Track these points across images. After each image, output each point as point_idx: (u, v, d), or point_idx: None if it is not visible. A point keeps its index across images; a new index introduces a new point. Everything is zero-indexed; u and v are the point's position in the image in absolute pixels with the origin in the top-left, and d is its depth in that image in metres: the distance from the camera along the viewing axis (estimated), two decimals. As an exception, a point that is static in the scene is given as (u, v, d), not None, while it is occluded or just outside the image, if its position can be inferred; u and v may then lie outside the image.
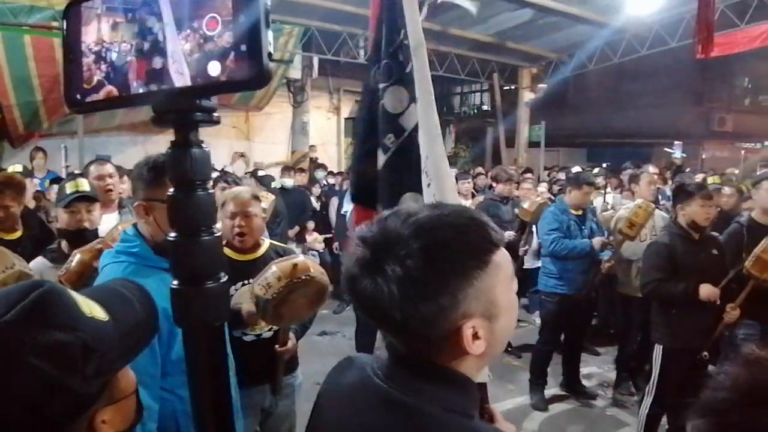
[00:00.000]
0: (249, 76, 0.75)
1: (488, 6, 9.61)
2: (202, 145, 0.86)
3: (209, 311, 0.87)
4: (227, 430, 0.92)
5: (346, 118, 14.53)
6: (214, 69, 0.76)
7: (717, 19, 9.55)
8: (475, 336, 0.89)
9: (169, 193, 0.86)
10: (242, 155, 11.76)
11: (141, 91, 0.83)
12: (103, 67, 0.86)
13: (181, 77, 0.79)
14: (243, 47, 0.74)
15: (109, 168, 3.88)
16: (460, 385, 0.93)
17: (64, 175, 5.96)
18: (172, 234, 0.87)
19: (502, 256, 0.92)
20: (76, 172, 4.40)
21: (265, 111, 12.33)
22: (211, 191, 0.87)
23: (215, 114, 0.85)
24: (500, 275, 0.90)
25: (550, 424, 4.57)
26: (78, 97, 0.88)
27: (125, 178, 4.50)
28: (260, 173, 8.50)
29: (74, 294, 0.85)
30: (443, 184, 1.84)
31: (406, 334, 0.91)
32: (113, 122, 10.03)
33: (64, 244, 2.90)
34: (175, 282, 0.87)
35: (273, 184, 7.14)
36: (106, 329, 0.83)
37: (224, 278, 0.89)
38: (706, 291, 3.53)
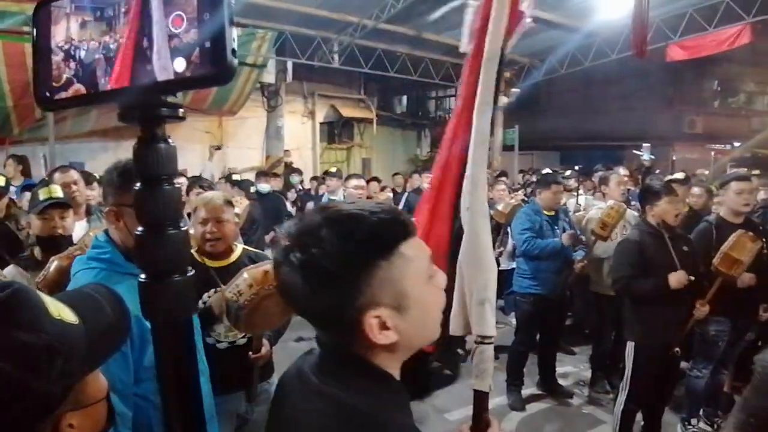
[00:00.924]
0: (213, 72, 0.76)
1: (461, 11, 9.68)
2: (169, 140, 0.87)
3: (176, 305, 0.88)
4: (198, 425, 0.93)
5: (321, 123, 14.51)
6: (180, 65, 0.77)
7: (686, 23, 9.80)
8: (384, 326, 0.90)
9: (135, 188, 0.87)
10: (218, 148, 11.73)
11: (108, 88, 0.84)
12: (72, 65, 0.87)
13: (146, 74, 0.81)
14: (207, 44, 0.76)
15: (73, 175, 3.84)
16: (376, 377, 0.94)
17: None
18: (139, 228, 0.87)
19: (413, 248, 0.93)
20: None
21: (239, 116, 12.23)
22: (177, 186, 0.89)
23: (180, 110, 0.87)
24: (411, 267, 0.91)
25: (528, 424, 4.61)
26: (47, 94, 0.89)
27: (95, 184, 4.44)
28: (236, 177, 8.46)
29: (43, 296, 0.84)
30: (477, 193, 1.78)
31: (319, 322, 0.96)
32: (85, 128, 9.87)
33: (36, 251, 2.87)
34: (143, 276, 0.88)
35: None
36: (73, 332, 0.82)
37: (191, 272, 0.90)
38: (676, 277, 3.59)
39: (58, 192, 2.95)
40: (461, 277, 1.70)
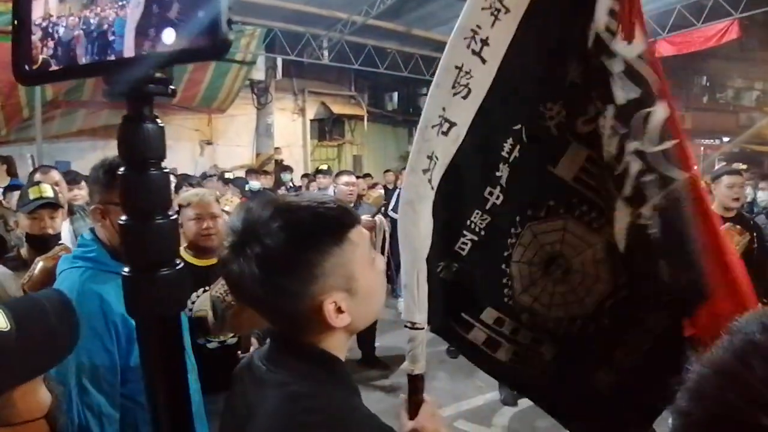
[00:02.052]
0: (206, 44, 0.70)
1: (451, 7, 9.68)
2: (157, 120, 0.81)
3: (164, 300, 0.82)
4: (185, 426, 0.88)
5: (311, 120, 14.47)
6: (169, 37, 0.71)
7: (674, 19, 9.84)
8: (339, 310, 0.94)
9: (119, 172, 0.80)
10: (209, 143, 11.70)
11: (90, 61, 0.79)
12: (52, 40, 0.83)
13: (134, 47, 0.75)
14: (200, 14, 0.70)
15: (54, 176, 3.85)
16: (324, 362, 0.98)
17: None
18: (123, 217, 0.81)
19: (358, 235, 0.98)
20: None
21: (229, 113, 12.18)
22: (166, 171, 0.83)
23: (170, 87, 0.81)
24: (357, 252, 0.97)
25: (520, 419, 4.61)
26: (26, 68, 0.85)
27: (83, 183, 4.41)
28: (230, 176, 8.44)
29: None
30: (409, 179, 1.69)
31: (273, 313, 0.99)
32: (73, 127, 9.80)
33: (23, 251, 2.86)
34: (127, 269, 0.82)
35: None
36: (1, 341, 0.77)
37: (180, 265, 0.84)
38: None
39: (48, 191, 2.94)
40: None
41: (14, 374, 0.80)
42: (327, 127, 14.89)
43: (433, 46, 11.72)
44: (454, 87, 1.57)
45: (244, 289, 0.94)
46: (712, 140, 18.54)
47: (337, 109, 14.59)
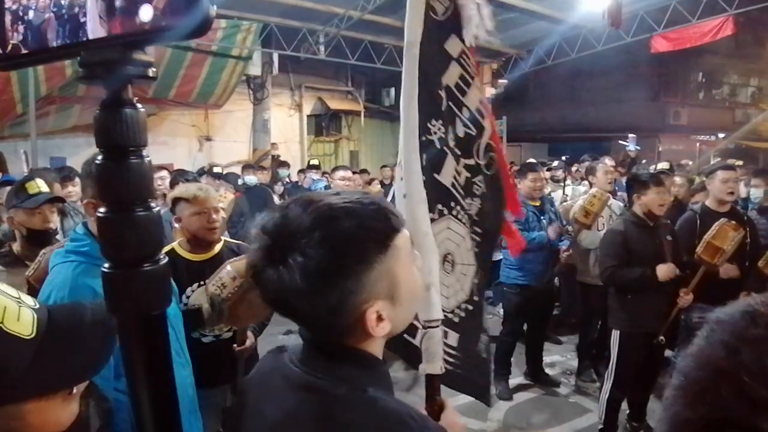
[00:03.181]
0: (187, 21, 0.65)
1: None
2: (137, 105, 0.75)
3: (146, 297, 0.75)
4: (171, 428, 0.84)
5: (308, 116, 14.43)
6: (146, 14, 0.66)
7: (669, 15, 9.85)
8: (379, 318, 0.92)
9: (97, 161, 0.74)
10: (208, 139, 11.68)
11: (63, 43, 0.74)
12: (23, 24, 0.78)
13: (107, 25, 0.70)
14: None
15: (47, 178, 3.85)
16: (367, 365, 0.97)
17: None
18: (102, 209, 0.75)
19: (403, 239, 0.95)
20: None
21: (225, 109, 12.13)
22: (147, 159, 0.76)
23: (151, 70, 0.74)
24: (401, 257, 0.94)
25: (516, 413, 4.63)
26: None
27: (77, 180, 4.40)
28: (224, 171, 8.43)
29: (6, 300, 0.76)
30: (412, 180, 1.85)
31: (313, 323, 0.95)
32: (67, 124, 9.75)
33: (15, 246, 2.84)
34: (107, 265, 0.75)
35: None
36: (12, 347, 0.73)
37: (164, 260, 0.78)
38: (664, 270, 3.62)
39: (44, 186, 2.94)
40: None
41: (25, 386, 0.75)
42: (324, 123, 14.84)
43: (429, 42, 11.68)
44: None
45: (277, 295, 0.90)
46: (707, 136, 18.57)
47: (334, 104, 14.55)
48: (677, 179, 5.89)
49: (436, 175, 1.89)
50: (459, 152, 1.98)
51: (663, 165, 6.99)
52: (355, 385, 0.92)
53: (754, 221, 4.44)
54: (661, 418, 0.63)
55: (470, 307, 1.97)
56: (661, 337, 3.76)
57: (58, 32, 0.74)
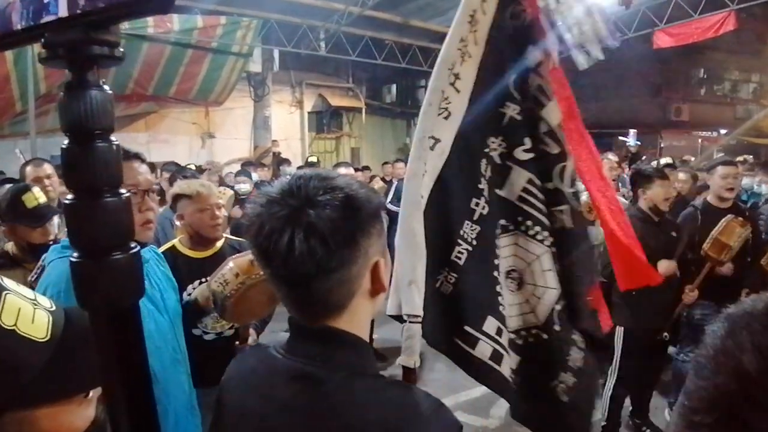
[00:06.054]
0: None
1: (446, -2, 9.65)
2: (104, 87, 0.71)
3: (117, 288, 0.72)
4: (147, 426, 0.79)
5: (309, 112, 14.42)
6: None
7: (671, 10, 9.81)
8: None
9: (62, 146, 0.71)
10: (211, 136, 11.67)
11: (26, 26, 0.70)
12: None
13: (69, 5, 0.66)
14: None
15: (47, 168, 3.78)
16: (356, 346, 1.00)
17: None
18: (69, 196, 0.71)
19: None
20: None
21: (226, 106, 12.12)
22: (115, 143, 0.73)
23: (118, 50, 0.71)
24: (384, 228, 1.03)
25: (517, 411, 4.61)
26: None
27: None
28: (224, 171, 8.42)
29: (12, 299, 0.73)
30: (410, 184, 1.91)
31: (310, 289, 0.94)
32: (68, 121, 9.72)
33: (10, 248, 2.77)
34: (75, 255, 0.71)
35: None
36: (25, 350, 0.71)
37: (134, 248, 0.74)
38: (664, 266, 3.60)
39: (42, 196, 2.81)
40: (396, 260, 1.84)
41: (38, 390, 0.73)
42: (325, 120, 14.84)
43: (430, 37, 11.66)
44: (438, 108, 1.88)
45: (288, 262, 0.90)
46: (709, 132, 18.55)
47: (335, 101, 14.54)
48: (681, 175, 5.86)
49: (497, 191, 1.86)
50: (532, 169, 1.85)
51: (666, 160, 6.97)
52: (354, 370, 0.96)
53: (756, 218, 4.42)
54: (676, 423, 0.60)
55: (544, 336, 1.81)
56: (665, 334, 3.75)
57: (22, 14, 0.70)
